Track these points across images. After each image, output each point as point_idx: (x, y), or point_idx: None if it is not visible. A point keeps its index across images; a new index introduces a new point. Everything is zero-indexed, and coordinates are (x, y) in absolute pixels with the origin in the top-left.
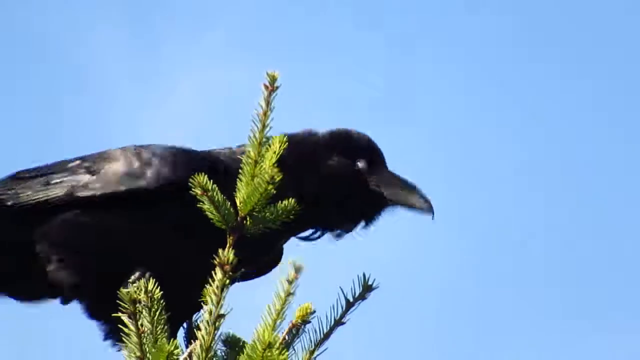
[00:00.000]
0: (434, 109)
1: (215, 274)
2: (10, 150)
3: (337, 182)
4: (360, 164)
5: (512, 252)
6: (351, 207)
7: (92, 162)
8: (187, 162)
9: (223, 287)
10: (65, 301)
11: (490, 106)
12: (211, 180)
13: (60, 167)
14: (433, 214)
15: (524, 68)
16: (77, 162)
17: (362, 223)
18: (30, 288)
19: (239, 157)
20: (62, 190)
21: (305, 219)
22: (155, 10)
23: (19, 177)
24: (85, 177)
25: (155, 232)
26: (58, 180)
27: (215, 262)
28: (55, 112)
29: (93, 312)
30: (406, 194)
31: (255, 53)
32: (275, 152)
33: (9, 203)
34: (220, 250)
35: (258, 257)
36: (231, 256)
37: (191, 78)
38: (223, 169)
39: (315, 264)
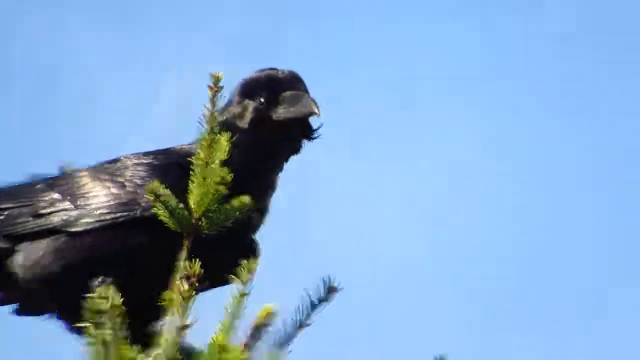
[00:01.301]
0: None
1: (182, 285)
2: None
3: (246, 126)
4: (261, 100)
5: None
6: (265, 144)
7: (70, 194)
8: (168, 178)
9: (189, 299)
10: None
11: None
12: (163, 185)
13: (33, 194)
14: (318, 113)
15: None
16: (54, 194)
17: (288, 153)
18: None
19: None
20: (53, 224)
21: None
22: (141, 10)
23: None
24: (73, 213)
25: (136, 243)
26: (45, 212)
27: (182, 274)
28: (38, 111)
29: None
30: (295, 107)
31: (241, 56)
32: (223, 151)
33: None
34: (186, 262)
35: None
36: (197, 268)
37: (177, 78)
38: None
39: (279, 265)
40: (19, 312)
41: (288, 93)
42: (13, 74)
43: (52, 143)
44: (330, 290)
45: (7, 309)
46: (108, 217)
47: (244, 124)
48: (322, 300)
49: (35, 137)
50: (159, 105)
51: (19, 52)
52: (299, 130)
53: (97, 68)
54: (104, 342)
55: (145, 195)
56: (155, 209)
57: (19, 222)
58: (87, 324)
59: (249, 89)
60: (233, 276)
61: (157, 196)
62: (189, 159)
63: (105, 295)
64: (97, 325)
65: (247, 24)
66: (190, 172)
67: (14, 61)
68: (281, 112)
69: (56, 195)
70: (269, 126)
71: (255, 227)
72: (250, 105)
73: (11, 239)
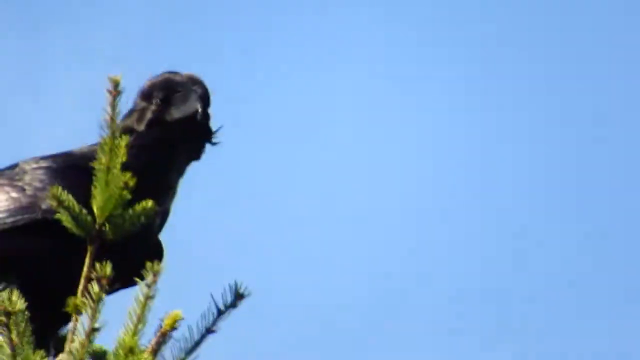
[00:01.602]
0: None
1: (92, 287)
2: None
3: (142, 128)
4: (156, 101)
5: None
6: (160, 145)
7: None
8: (68, 181)
9: (99, 301)
10: None
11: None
12: (65, 191)
13: None
14: (198, 111)
15: None
16: None
17: (187, 155)
18: None
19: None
20: None
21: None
22: (39, 5)
23: None
24: None
25: (39, 247)
26: None
27: (93, 276)
28: None
29: None
30: (182, 107)
31: (142, 55)
32: (123, 155)
33: None
34: (97, 264)
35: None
36: (108, 270)
37: (74, 76)
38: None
39: (187, 270)
40: None
41: (180, 94)
42: None
43: None
44: (238, 296)
45: None
46: (8, 220)
47: (140, 126)
48: (229, 306)
49: None
50: (57, 99)
51: None
52: (192, 131)
53: None
54: (8, 346)
55: (45, 199)
56: (58, 214)
57: None
58: None
59: (148, 92)
60: (138, 279)
61: (60, 201)
62: (90, 162)
63: (8, 299)
64: (1, 330)
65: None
66: (93, 177)
67: None
68: (172, 113)
69: None
70: (162, 127)
71: (157, 229)
72: (146, 107)
73: None
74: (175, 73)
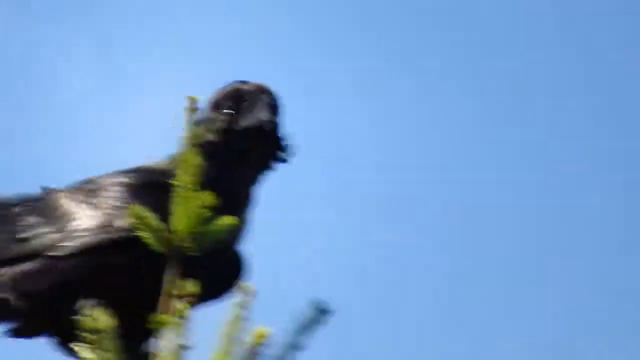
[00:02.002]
0: None
1: (179, 305)
2: None
3: (213, 138)
4: (224, 111)
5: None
6: (231, 155)
7: (48, 217)
8: (146, 198)
9: (186, 319)
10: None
11: None
12: (144, 208)
13: (12, 218)
14: (265, 121)
15: None
16: (32, 217)
17: (259, 165)
18: None
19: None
20: (33, 249)
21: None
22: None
23: None
24: (53, 237)
25: (118, 264)
26: (24, 237)
27: (175, 294)
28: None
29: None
30: (250, 116)
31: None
32: (198, 169)
33: None
34: (181, 282)
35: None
36: (193, 287)
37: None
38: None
39: (273, 286)
40: (14, 333)
41: (248, 102)
42: None
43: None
44: (322, 311)
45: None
46: (87, 240)
47: (210, 136)
48: (315, 322)
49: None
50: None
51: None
52: (261, 139)
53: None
54: None
55: (121, 217)
56: (138, 231)
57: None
58: (83, 346)
59: (217, 102)
60: (225, 297)
61: (140, 218)
62: (166, 178)
63: (98, 317)
64: (93, 347)
65: None
66: (171, 193)
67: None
68: (240, 121)
69: (35, 219)
70: (231, 136)
71: (234, 241)
72: (215, 117)
73: None
74: (244, 82)
